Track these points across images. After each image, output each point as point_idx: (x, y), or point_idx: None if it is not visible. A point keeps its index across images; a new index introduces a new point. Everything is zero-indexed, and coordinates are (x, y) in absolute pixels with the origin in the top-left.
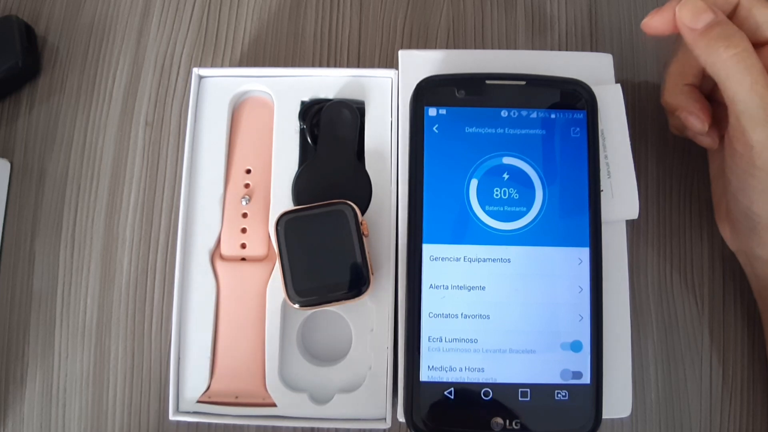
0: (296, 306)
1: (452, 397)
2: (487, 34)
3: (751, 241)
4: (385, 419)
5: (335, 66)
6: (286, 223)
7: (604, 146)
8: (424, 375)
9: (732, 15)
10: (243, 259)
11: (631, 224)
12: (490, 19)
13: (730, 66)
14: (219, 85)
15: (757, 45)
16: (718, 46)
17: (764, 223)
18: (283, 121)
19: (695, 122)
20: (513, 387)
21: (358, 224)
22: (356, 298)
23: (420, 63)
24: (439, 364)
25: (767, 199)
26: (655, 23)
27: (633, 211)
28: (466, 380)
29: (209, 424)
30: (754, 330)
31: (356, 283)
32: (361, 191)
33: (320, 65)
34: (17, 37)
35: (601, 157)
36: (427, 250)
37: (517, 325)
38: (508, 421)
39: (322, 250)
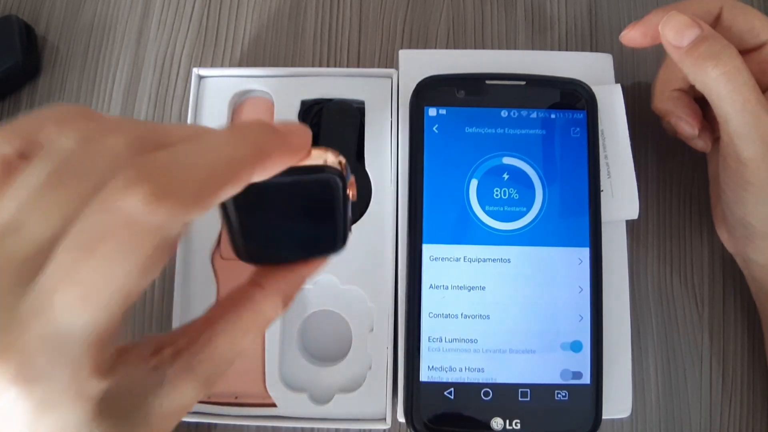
0: (248, 263)
1: (452, 397)
2: (487, 34)
3: (746, 247)
4: (385, 419)
5: (335, 66)
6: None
7: (604, 146)
8: (424, 375)
9: (715, 23)
10: None
11: (631, 224)
12: (490, 19)
13: (720, 85)
14: (219, 85)
15: (743, 51)
16: (706, 64)
17: (759, 232)
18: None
19: (685, 127)
20: (513, 387)
21: (342, 191)
22: (327, 254)
23: (420, 63)
24: (439, 364)
25: (761, 211)
26: (632, 36)
27: (633, 211)
28: (466, 380)
29: (209, 424)
30: (754, 330)
31: (326, 246)
32: (361, 191)
33: (320, 65)
34: (17, 37)
35: (601, 157)
36: (427, 250)
37: (517, 325)
38: (508, 421)
39: (288, 212)
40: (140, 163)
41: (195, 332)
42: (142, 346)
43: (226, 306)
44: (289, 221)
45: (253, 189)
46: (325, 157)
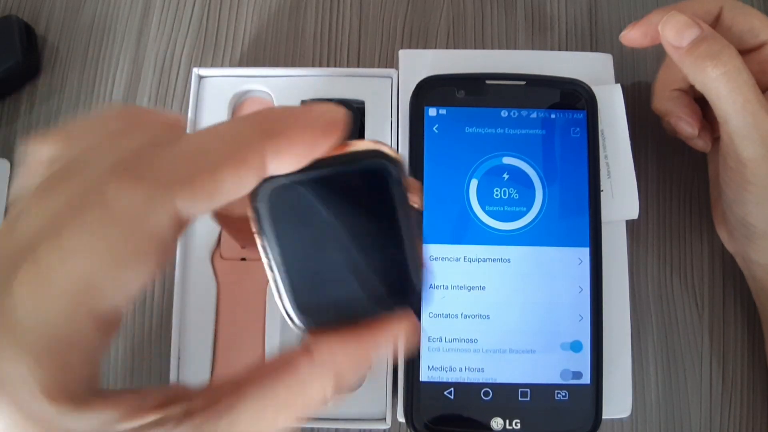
0: (301, 327)
1: (452, 397)
2: (487, 34)
3: (746, 247)
4: (385, 419)
5: (335, 66)
6: (270, 194)
7: (604, 146)
8: (424, 375)
9: (715, 23)
10: (243, 259)
11: (631, 224)
12: (490, 19)
13: (720, 85)
14: (219, 85)
15: (743, 51)
16: (706, 64)
17: (759, 232)
18: None
19: (685, 127)
20: (513, 387)
21: (402, 190)
22: (402, 308)
23: (420, 63)
24: (439, 364)
25: (762, 212)
26: (632, 36)
27: (633, 211)
28: (466, 380)
29: None
30: (754, 330)
31: (400, 284)
32: None
33: (320, 65)
34: (17, 37)
35: (601, 157)
36: (427, 250)
37: (517, 325)
38: (508, 421)
39: (339, 235)
40: (125, 159)
41: (218, 393)
42: (144, 393)
43: (265, 370)
44: (339, 245)
45: (286, 198)
46: (376, 148)
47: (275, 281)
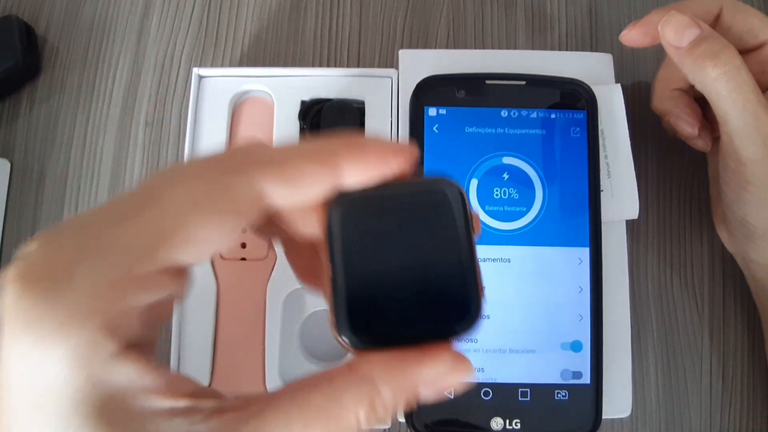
0: (348, 343)
1: (452, 397)
2: (487, 34)
3: (746, 247)
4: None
5: (335, 66)
6: (344, 208)
7: (604, 146)
8: None
9: (715, 23)
10: (243, 259)
11: (631, 224)
12: (490, 19)
13: (719, 85)
14: (219, 85)
15: (743, 51)
16: (706, 64)
17: (759, 232)
18: (283, 121)
19: (685, 127)
20: (513, 387)
21: (466, 216)
22: (455, 336)
23: (420, 63)
24: None
25: (762, 212)
26: (632, 36)
27: (633, 211)
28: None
29: None
30: (754, 330)
31: (457, 310)
32: None
33: (320, 65)
34: (17, 37)
35: (601, 157)
36: None
37: (517, 325)
38: (508, 421)
39: (403, 257)
40: None
41: (250, 399)
42: (178, 378)
43: (299, 383)
44: (400, 264)
45: (357, 211)
46: (441, 176)
47: (334, 292)
